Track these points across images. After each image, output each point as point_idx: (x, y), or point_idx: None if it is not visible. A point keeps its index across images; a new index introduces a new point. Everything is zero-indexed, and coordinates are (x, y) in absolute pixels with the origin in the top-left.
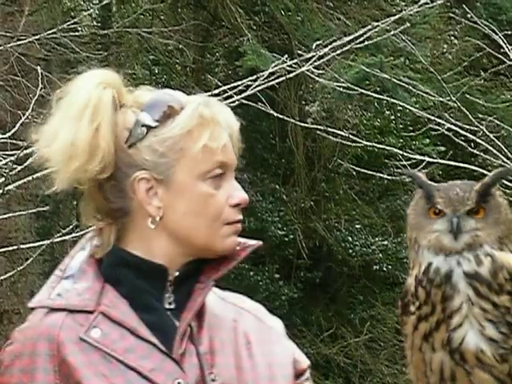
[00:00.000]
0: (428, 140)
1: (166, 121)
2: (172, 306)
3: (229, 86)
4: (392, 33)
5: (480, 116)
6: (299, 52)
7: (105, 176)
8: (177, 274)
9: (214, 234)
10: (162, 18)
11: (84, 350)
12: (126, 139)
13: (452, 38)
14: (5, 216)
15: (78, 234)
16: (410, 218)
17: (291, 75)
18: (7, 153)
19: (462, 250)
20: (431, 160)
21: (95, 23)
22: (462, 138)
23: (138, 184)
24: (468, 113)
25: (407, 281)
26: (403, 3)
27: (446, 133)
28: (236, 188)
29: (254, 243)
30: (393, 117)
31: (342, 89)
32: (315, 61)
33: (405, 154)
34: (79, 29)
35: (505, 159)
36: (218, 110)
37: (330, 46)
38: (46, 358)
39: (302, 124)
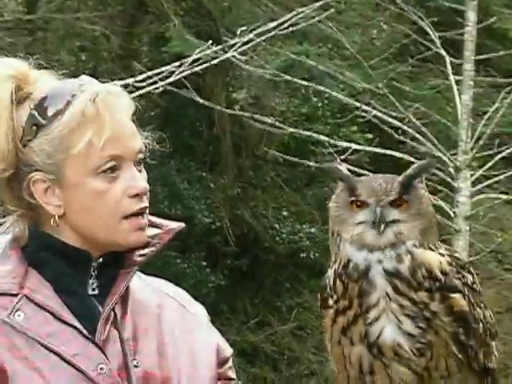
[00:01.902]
0: (356, 127)
1: (54, 119)
2: (96, 292)
3: (153, 72)
4: (317, 19)
5: (407, 103)
6: (225, 38)
7: (6, 175)
8: (101, 260)
9: (113, 230)
10: (88, 3)
11: (7, 332)
12: (20, 138)
13: (380, 24)
14: None
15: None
16: (332, 211)
17: (215, 61)
18: None
19: (385, 247)
20: (358, 147)
21: (21, 8)
22: (390, 125)
23: (33, 185)
24: (395, 100)
25: (327, 274)
26: None
27: (373, 120)
28: (135, 178)
29: (177, 225)
30: (320, 104)
31: (268, 76)
32: (240, 47)
33: (331, 141)
34: (4, 14)
35: (431, 146)
36: (104, 104)
37: (255, 32)
38: None
39: (229, 111)
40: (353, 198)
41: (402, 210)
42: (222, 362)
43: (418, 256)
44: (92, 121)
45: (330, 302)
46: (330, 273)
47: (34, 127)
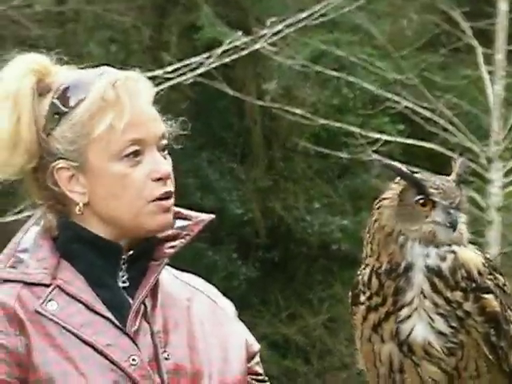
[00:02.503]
0: (387, 118)
1: (75, 106)
2: (126, 284)
3: (182, 64)
4: (347, 9)
5: (438, 94)
6: (255, 29)
7: (31, 166)
8: (131, 252)
9: (139, 214)
10: None
11: (40, 321)
12: (43, 128)
13: (411, 14)
14: None
15: (30, 214)
16: (390, 210)
17: (245, 52)
18: None
19: (451, 243)
20: (389, 138)
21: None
22: (421, 116)
23: (57, 173)
24: (426, 90)
25: (360, 271)
26: None
27: (404, 111)
28: (158, 162)
29: (207, 217)
30: (351, 95)
31: (298, 66)
32: (270, 37)
33: (363, 132)
34: (35, 6)
35: (462, 136)
36: (123, 89)
37: (285, 23)
38: (5, 322)
39: (260, 102)
40: (421, 197)
41: (462, 211)
42: (249, 357)
43: (460, 256)
44: (112, 105)
45: (362, 298)
46: (366, 270)
47: (56, 116)
